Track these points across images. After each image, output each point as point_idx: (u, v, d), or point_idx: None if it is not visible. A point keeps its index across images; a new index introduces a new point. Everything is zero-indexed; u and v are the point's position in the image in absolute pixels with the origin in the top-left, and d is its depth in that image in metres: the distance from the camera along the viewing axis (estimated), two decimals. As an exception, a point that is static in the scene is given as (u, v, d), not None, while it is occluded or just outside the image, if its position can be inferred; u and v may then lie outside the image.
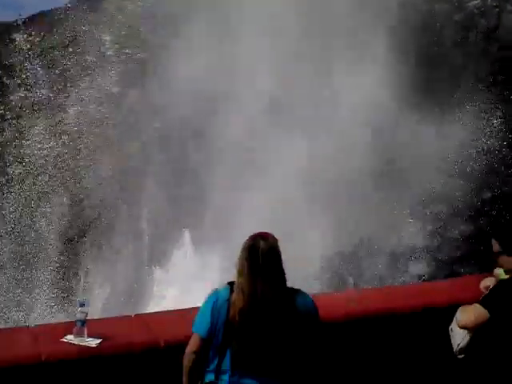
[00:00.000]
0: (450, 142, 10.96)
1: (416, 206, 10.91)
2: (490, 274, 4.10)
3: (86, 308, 3.69)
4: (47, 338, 3.57)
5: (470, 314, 3.42)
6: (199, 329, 2.83)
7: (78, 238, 12.78)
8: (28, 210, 12.70)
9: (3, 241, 12.19)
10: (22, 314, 11.28)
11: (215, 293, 2.84)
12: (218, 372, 2.75)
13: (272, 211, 9.80)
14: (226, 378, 2.74)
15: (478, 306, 3.41)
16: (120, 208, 12.51)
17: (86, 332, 3.68)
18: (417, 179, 10.69)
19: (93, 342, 3.64)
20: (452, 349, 3.65)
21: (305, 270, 9.18)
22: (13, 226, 12.35)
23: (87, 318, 3.68)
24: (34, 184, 13.14)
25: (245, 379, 2.71)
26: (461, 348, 3.59)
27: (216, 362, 2.75)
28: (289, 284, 2.80)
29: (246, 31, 11.69)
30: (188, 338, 3.41)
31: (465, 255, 10.09)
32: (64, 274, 12.26)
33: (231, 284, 2.78)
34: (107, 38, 15.70)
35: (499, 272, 3.90)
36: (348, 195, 10.50)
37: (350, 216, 10.51)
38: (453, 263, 10.11)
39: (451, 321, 3.66)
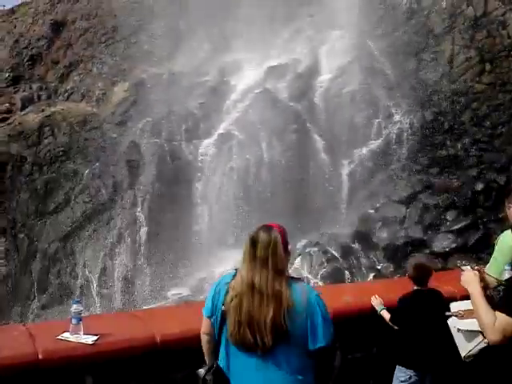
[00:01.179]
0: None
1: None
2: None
3: (81, 305, 3.68)
4: (43, 336, 3.54)
5: (499, 329, 2.73)
6: (204, 310, 2.93)
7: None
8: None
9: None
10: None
11: (221, 277, 2.96)
12: (218, 351, 2.86)
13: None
14: (223, 355, 2.84)
15: (502, 315, 2.77)
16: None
17: (82, 329, 3.67)
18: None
19: (89, 339, 3.61)
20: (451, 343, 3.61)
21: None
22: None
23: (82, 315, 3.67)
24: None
25: (236, 358, 2.78)
26: (472, 354, 3.48)
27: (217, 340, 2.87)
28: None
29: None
30: (184, 332, 3.39)
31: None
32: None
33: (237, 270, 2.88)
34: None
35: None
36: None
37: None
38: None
39: None
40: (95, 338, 3.64)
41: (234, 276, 2.85)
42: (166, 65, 15.58)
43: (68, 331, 3.63)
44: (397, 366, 4.34)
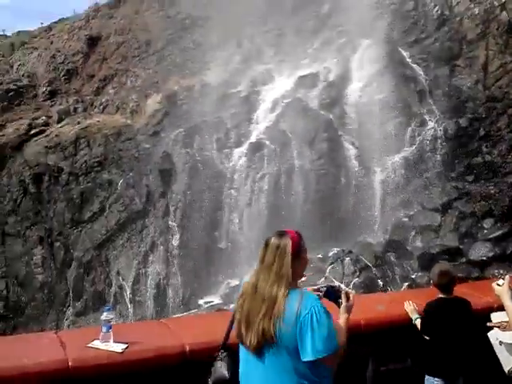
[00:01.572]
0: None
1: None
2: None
3: (111, 313, 3.72)
4: (74, 344, 3.60)
5: None
6: None
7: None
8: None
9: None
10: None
11: None
12: None
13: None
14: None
15: None
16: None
17: (111, 337, 3.71)
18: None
19: (118, 348, 3.65)
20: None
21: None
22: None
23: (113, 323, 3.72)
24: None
25: (242, 356, 2.90)
26: None
27: None
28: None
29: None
30: (211, 342, 3.40)
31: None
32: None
33: None
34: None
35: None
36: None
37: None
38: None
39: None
40: (125, 346, 3.67)
41: None
42: (198, 76, 15.76)
43: (98, 339, 3.68)
44: (426, 377, 4.26)
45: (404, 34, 13.95)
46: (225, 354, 3.15)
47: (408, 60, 13.35)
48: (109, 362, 3.49)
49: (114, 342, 3.70)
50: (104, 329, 3.65)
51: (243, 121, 13.58)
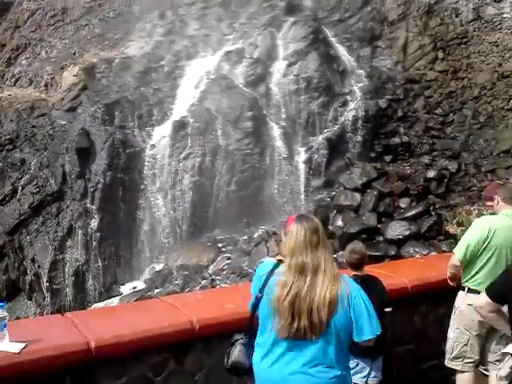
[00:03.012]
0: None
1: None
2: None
3: (5, 310, 3.42)
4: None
5: None
6: (253, 289, 3.10)
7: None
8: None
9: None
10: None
11: (265, 263, 3.17)
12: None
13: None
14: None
15: None
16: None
17: (7, 336, 3.42)
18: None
19: (15, 347, 3.37)
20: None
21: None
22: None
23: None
24: None
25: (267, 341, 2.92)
26: None
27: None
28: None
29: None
30: (120, 337, 3.18)
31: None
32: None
33: None
34: None
35: None
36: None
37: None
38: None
39: None
40: (22, 345, 3.40)
41: (276, 266, 2.94)
42: (119, 48, 15.06)
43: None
44: None
45: (329, 12, 14.00)
46: (247, 339, 3.12)
47: (332, 39, 13.45)
48: (3, 364, 3.20)
49: (11, 341, 3.41)
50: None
51: (166, 97, 13.15)
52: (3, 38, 17.52)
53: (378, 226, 10.24)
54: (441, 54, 12.86)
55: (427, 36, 12.86)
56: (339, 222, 10.72)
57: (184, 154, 11.90)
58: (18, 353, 3.32)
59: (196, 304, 4.44)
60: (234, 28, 14.78)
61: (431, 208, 10.47)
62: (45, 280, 11.12)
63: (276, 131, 12.23)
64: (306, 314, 2.74)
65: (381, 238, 10.03)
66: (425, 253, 9.20)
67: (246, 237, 10.98)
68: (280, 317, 2.80)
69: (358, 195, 10.90)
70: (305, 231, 2.84)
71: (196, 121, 12.21)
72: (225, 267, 9.87)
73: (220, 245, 10.90)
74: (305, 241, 2.83)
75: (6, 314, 3.44)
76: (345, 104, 12.33)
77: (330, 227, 10.63)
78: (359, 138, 11.87)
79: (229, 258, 10.30)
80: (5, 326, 3.41)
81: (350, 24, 13.61)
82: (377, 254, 9.45)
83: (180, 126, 12.21)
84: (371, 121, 11.95)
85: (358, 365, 4.19)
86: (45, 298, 11.04)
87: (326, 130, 12.19)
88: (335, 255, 10.25)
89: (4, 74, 16.14)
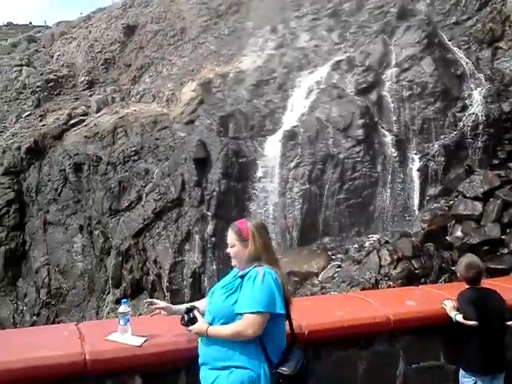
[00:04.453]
0: None
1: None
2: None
3: (128, 306, 3.70)
4: (93, 336, 3.60)
5: None
6: (279, 307, 3.19)
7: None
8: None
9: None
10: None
11: (272, 273, 3.24)
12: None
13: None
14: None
15: None
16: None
17: (130, 330, 3.68)
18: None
19: (137, 341, 3.62)
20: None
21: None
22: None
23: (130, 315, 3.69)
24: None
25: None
26: None
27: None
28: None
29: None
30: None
31: None
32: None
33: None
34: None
35: None
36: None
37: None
38: None
39: None
40: (143, 339, 3.64)
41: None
42: (233, 63, 15.67)
43: (117, 332, 3.67)
44: (461, 373, 4.10)
45: (444, 15, 13.39)
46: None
47: (448, 43, 12.83)
48: (126, 356, 3.46)
49: (133, 334, 3.68)
50: (122, 321, 3.64)
51: (277, 108, 13.41)
52: (129, 59, 19.04)
53: (502, 237, 9.51)
54: None
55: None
56: (458, 233, 10.12)
57: (294, 162, 12.01)
58: (140, 346, 3.57)
59: (305, 310, 4.46)
60: (345, 37, 14.70)
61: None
62: (165, 280, 11.81)
63: (388, 138, 11.92)
64: None
65: (505, 251, 9.31)
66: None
67: (356, 245, 10.80)
68: None
69: (479, 204, 10.21)
70: None
71: (306, 130, 12.30)
72: (335, 275, 9.77)
73: (330, 252, 10.83)
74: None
75: (129, 309, 3.73)
76: (463, 109, 11.66)
77: (447, 238, 10.09)
78: (480, 144, 11.15)
79: (339, 266, 10.18)
80: (128, 321, 3.69)
81: (468, 26, 12.92)
82: (500, 267, 8.78)
83: (290, 135, 12.37)
84: (493, 125, 11.17)
85: (476, 383, 3.96)
86: (165, 297, 11.70)
87: (442, 136, 11.62)
88: (453, 267, 9.74)
89: (130, 92, 17.50)
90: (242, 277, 3.21)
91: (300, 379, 3.18)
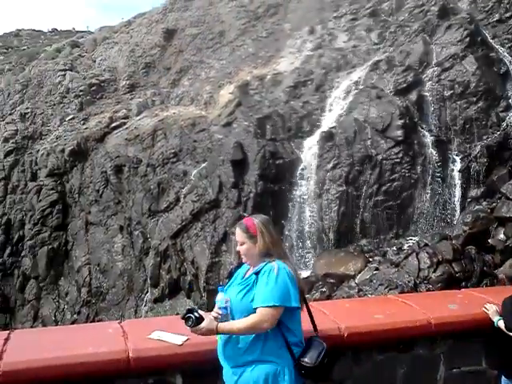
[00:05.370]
0: None
1: None
2: None
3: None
4: (136, 334, 3.68)
5: None
6: (295, 301, 3.23)
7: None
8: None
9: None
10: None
11: (286, 267, 3.29)
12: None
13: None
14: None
15: None
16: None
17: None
18: None
19: (178, 340, 3.67)
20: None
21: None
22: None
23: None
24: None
25: None
26: None
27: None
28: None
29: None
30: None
31: None
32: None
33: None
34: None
35: None
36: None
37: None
38: None
39: None
40: (185, 338, 3.70)
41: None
42: (271, 65, 15.71)
43: (159, 330, 3.74)
44: (503, 379, 4.00)
45: (487, 13, 13.06)
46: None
47: (491, 41, 12.51)
48: (168, 354, 3.53)
49: (174, 333, 3.74)
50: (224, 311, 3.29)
51: (314, 109, 13.38)
52: (169, 62, 19.35)
53: (548, 241, 9.20)
54: None
55: None
56: (501, 236, 9.85)
57: (332, 163, 11.96)
58: (181, 345, 3.63)
59: (344, 312, 4.45)
60: (384, 37, 14.54)
61: None
62: (202, 281, 11.95)
63: (428, 139, 11.72)
64: None
65: (550, 256, 9.01)
66: None
67: (394, 248, 10.65)
68: None
69: (522, 207, 9.93)
70: None
71: (344, 131, 12.22)
72: (372, 278, 9.66)
73: (367, 255, 10.72)
74: None
75: (228, 297, 3.33)
76: (507, 108, 11.36)
77: (490, 240, 9.84)
78: (525, 144, 10.85)
79: (376, 269, 10.06)
80: (226, 309, 3.30)
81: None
82: (546, 272, 8.50)
83: (328, 136, 12.32)
84: (540, 125, 10.84)
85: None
86: (202, 297, 11.86)
87: (485, 137, 11.34)
88: (495, 271, 9.49)
89: (169, 95, 17.79)
90: (257, 273, 3.24)
91: (322, 370, 3.22)
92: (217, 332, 3.18)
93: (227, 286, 3.43)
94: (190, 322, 3.14)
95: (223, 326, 3.16)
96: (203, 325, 3.15)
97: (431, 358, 4.26)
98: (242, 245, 3.36)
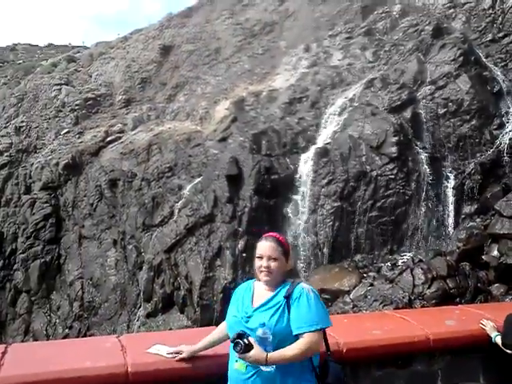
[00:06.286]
0: None
1: None
2: None
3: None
4: (134, 349, 3.66)
5: None
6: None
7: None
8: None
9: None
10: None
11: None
12: None
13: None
14: None
15: None
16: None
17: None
18: None
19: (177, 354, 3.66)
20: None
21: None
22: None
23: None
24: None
25: None
26: None
27: None
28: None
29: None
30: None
31: None
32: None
33: None
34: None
35: None
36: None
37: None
38: None
39: None
40: (183, 353, 3.68)
41: None
42: (266, 82, 15.85)
43: (158, 344, 3.72)
44: None
45: (480, 33, 13.30)
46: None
47: (485, 60, 12.71)
48: (167, 368, 3.52)
49: (174, 348, 3.71)
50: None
51: (310, 126, 13.48)
52: (165, 78, 19.47)
53: (542, 258, 9.26)
54: None
55: None
56: (495, 252, 9.90)
57: (326, 179, 12.02)
58: (180, 359, 3.61)
59: (342, 327, 4.44)
60: (379, 55, 14.74)
61: None
62: (196, 295, 11.85)
63: (422, 156, 11.82)
64: None
65: (544, 272, 9.06)
66: None
67: (389, 263, 10.67)
68: None
69: (516, 224, 9.99)
70: None
71: (339, 147, 12.31)
72: (367, 294, 9.66)
73: (361, 270, 10.73)
74: None
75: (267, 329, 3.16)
76: (500, 126, 11.50)
77: (483, 257, 9.89)
78: (517, 162, 10.97)
79: (371, 285, 10.06)
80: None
81: (505, 43, 12.79)
82: (540, 289, 8.54)
83: (323, 152, 12.39)
84: (532, 144, 10.98)
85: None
86: (195, 312, 11.76)
87: (478, 154, 11.46)
88: (489, 287, 9.52)
89: (165, 110, 17.87)
90: (287, 297, 3.07)
91: None
92: (266, 362, 3.00)
93: (242, 313, 3.26)
94: (238, 348, 3.04)
95: (274, 355, 2.98)
96: (252, 353, 2.98)
97: (429, 374, 4.26)
98: (274, 261, 3.12)
